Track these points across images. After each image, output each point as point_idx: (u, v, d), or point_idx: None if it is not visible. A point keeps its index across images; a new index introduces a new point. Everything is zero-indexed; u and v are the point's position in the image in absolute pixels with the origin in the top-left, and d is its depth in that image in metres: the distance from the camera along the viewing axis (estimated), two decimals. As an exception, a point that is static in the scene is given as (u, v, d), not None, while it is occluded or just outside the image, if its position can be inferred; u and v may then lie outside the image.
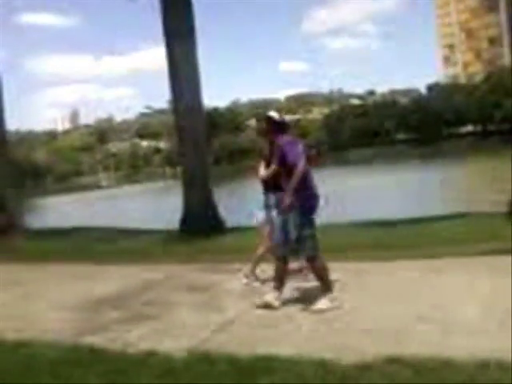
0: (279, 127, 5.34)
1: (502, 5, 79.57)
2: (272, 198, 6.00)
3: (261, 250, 6.31)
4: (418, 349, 3.82)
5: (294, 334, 4.56)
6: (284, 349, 4.10)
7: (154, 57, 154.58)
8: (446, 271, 6.17)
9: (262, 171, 6.06)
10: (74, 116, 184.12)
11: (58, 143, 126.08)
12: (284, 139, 5.28)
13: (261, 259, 6.38)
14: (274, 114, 5.44)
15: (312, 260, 5.26)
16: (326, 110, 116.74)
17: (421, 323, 4.48)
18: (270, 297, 5.33)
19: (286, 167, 5.18)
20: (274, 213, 5.87)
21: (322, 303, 5.13)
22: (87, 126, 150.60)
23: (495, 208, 10.10)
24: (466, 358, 3.52)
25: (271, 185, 5.89)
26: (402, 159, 63.15)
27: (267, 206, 6.13)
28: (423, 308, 4.89)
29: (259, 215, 6.27)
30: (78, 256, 9.49)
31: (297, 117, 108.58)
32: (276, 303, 5.28)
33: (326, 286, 5.25)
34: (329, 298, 5.17)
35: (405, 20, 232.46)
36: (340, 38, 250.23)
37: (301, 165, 5.06)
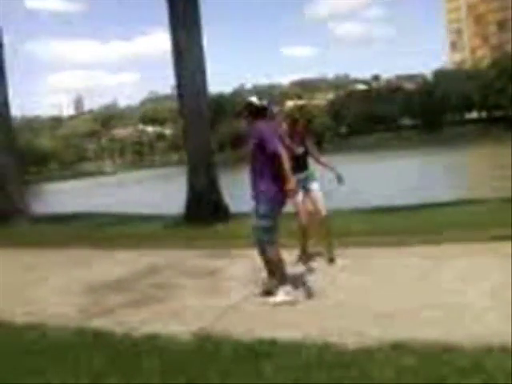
0: (258, 112, 5.33)
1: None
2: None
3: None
4: (423, 334, 3.82)
5: (298, 319, 4.57)
6: (288, 333, 4.11)
7: (160, 42, 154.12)
8: (451, 257, 6.15)
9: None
10: (79, 102, 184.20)
11: (62, 129, 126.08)
12: (261, 124, 5.27)
13: (306, 238, 6.53)
14: (254, 99, 5.41)
15: (264, 251, 5.20)
16: (330, 96, 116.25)
17: (426, 308, 4.48)
18: (281, 296, 5.10)
19: (263, 152, 5.14)
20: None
21: (278, 296, 5.05)
22: (92, 112, 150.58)
23: (499, 194, 10.06)
24: (470, 343, 3.52)
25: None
26: (406, 146, 62.90)
27: None
28: (428, 293, 4.89)
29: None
30: (82, 241, 9.51)
31: (302, 102, 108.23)
32: (290, 298, 5.10)
33: (280, 279, 5.13)
34: (284, 291, 5.07)
35: (412, 4, 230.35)
36: (346, 23, 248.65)
37: (283, 153, 5.05)
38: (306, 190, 6.45)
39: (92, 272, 7.17)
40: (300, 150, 6.33)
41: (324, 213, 6.47)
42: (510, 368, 3.12)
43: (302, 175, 6.33)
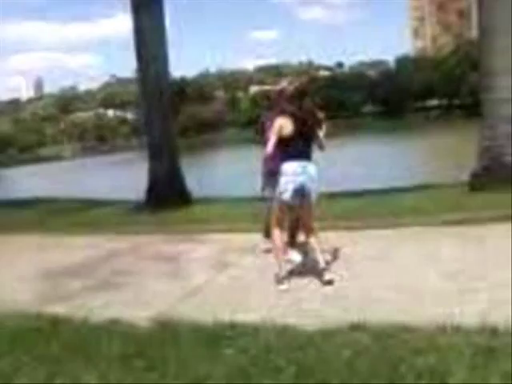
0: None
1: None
2: None
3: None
4: (382, 316, 3.89)
5: (259, 302, 4.60)
6: (248, 316, 4.14)
7: (123, 24, 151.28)
8: (411, 240, 6.28)
9: None
10: (39, 84, 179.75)
11: (21, 113, 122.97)
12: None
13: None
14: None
15: None
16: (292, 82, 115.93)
17: (385, 291, 4.56)
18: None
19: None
20: None
21: None
22: (51, 95, 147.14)
23: (456, 180, 10.26)
24: (426, 324, 3.61)
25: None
26: (366, 132, 63.53)
27: None
28: (388, 276, 4.98)
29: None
30: (40, 227, 9.35)
31: (267, 87, 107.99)
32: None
33: None
34: None
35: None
36: (311, 8, 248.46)
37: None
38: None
39: (51, 258, 7.05)
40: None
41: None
42: (461, 346, 3.22)
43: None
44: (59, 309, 4.76)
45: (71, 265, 6.51)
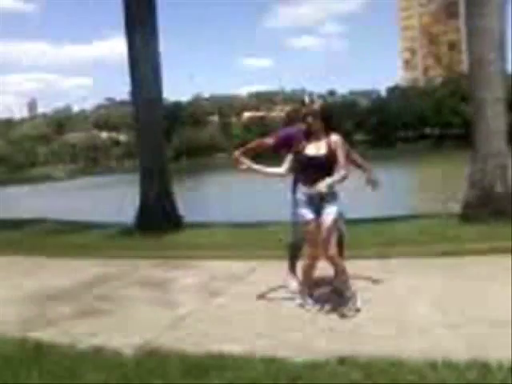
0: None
1: (462, 11, 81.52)
2: None
3: None
4: (371, 349, 3.84)
5: (248, 332, 4.53)
6: (237, 346, 4.06)
7: (117, 47, 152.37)
8: (399, 271, 6.24)
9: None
10: (32, 105, 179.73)
11: (14, 132, 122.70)
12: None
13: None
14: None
15: None
16: (288, 108, 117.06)
17: (374, 323, 4.51)
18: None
19: None
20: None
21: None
22: (44, 116, 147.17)
23: (446, 210, 10.30)
24: (417, 358, 3.55)
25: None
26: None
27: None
28: (376, 308, 4.93)
29: None
30: (28, 249, 9.23)
31: (261, 114, 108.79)
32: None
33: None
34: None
35: (368, 21, 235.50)
36: (303, 37, 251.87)
37: None
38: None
39: (37, 281, 6.94)
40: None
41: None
42: (452, 382, 3.17)
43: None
44: (43, 334, 4.66)
45: (57, 289, 6.39)
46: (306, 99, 5.17)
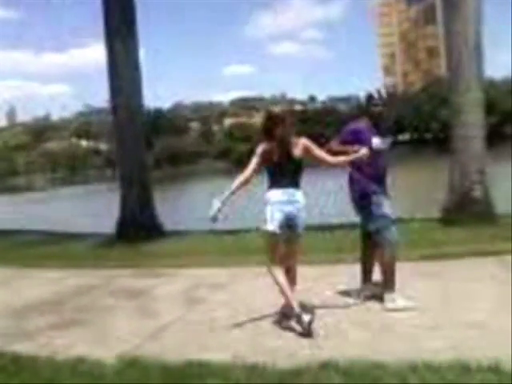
0: None
1: (440, 17, 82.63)
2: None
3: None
4: (352, 353, 3.84)
5: (228, 339, 4.50)
6: (217, 354, 4.04)
7: (97, 55, 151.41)
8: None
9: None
10: (11, 113, 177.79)
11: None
12: None
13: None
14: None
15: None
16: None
17: (355, 327, 4.51)
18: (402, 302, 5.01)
19: None
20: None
21: (399, 301, 5.00)
22: (24, 124, 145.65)
23: (426, 215, 10.34)
24: (398, 361, 3.56)
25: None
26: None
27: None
28: (357, 312, 4.93)
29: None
30: (6, 260, 9.10)
31: (242, 120, 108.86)
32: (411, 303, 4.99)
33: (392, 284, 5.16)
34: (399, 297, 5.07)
35: (348, 28, 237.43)
36: (284, 43, 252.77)
37: None
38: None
39: (16, 293, 6.84)
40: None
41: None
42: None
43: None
44: (21, 347, 4.58)
45: (35, 301, 6.31)
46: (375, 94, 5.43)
